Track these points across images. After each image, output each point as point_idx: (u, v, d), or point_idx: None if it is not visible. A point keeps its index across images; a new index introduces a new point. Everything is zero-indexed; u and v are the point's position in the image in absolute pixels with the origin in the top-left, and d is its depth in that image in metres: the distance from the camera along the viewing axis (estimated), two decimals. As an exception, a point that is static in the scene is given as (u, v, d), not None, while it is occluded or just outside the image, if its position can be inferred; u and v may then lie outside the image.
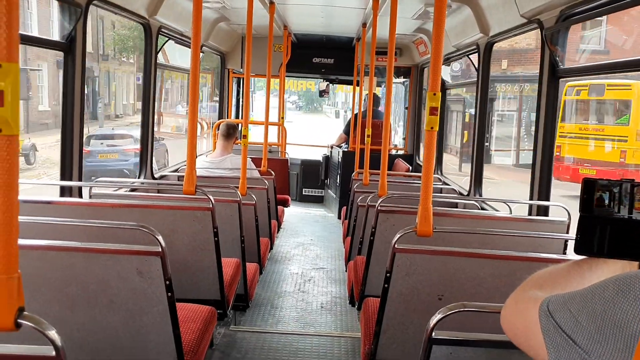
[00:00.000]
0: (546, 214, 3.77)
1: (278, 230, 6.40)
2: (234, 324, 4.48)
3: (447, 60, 6.40)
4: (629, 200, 1.20)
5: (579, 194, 1.22)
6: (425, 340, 1.72)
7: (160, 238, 2.33)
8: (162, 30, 5.23)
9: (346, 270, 5.03)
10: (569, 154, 14.23)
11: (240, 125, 8.49)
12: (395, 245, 2.54)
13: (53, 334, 1.47)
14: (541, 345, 1.07)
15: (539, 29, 3.74)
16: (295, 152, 9.85)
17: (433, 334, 1.70)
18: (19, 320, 1.41)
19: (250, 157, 5.92)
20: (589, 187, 1.21)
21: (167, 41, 5.79)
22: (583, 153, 13.65)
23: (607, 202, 1.20)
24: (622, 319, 0.92)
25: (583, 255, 1.25)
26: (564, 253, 3.19)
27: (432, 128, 2.40)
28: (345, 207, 6.54)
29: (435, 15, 2.40)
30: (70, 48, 3.74)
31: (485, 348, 1.69)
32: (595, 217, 1.22)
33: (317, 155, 10.10)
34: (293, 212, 8.86)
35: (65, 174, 3.81)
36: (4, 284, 1.37)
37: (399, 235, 2.52)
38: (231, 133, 5.72)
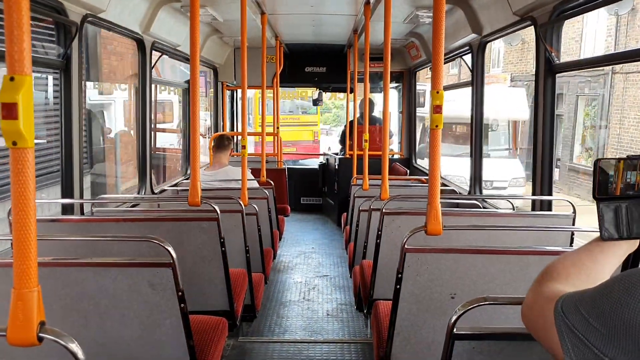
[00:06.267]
0: (549, 209, 3.78)
1: (280, 239, 6.39)
2: (242, 335, 4.46)
3: (440, 63, 6.42)
4: None
5: (592, 178, 1.19)
6: (447, 335, 1.71)
7: (170, 249, 2.32)
8: (156, 45, 5.23)
9: (351, 276, 5.02)
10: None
11: (235, 137, 8.52)
12: (406, 245, 2.54)
13: (75, 346, 1.47)
14: (558, 344, 1.08)
15: (532, 26, 3.77)
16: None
17: (454, 329, 1.70)
18: (41, 334, 1.40)
19: (249, 168, 5.93)
20: (603, 168, 1.17)
21: (160, 56, 5.79)
22: (289, 137, 17.85)
23: (635, 179, 1.17)
24: (631, 318, 0.92)
25: (612, 241, 1.23)
26: (571, 246, 3.20)
27: (436, 126, 2.41)
28: (345, 214, 6.54)
29: (435, 13, 2.41)
30: (66, 66, 3.73)
31: (508, 341, 1.69)
32: (614, 198, 1.19)
33: (314, 163, 10.13)
34: (293, 221, 8.84)
35: (67, 191, 3.79)
36: (26, 297, 1.36)
37: (409, 235, 2.52)
38: (225, 144, 5.72)
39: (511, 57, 20.77)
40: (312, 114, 20.22)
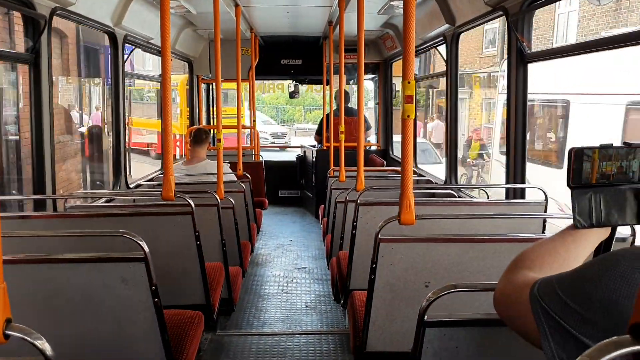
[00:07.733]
0: (522, 197, 3.83)
1: (257, 232, 6.37)
2: (219, 329, 4.45)
3: (416, 54, 6.45)
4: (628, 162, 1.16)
5: (567, 166, 1.19)
6: (418, 323, 1.73)
7: (143, 243, 2.30)
8: (128, 38, 5.17)
9: (328, 268, 5.03)
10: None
11: (212, 130, 8.47)
12: (379, 236, 2.55)
13: (42, 343, 1.45)
14: (534, 329, 1.08)
15: (504, 16, 3.80)
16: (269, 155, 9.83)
17: (425, 316, 1.71)
18: (7, 332, 1.38)
19: (226, 162, 5.89)
20: (578, 157, 1.17)
21: (133, 50, 5.72)
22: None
23: (610, 168, 1.17)
24: (610, 297, 0.92)
25: (585, 229, 1.23)
26: (543, 233, 3.24)
27: (408, 116, 2.42)
28: (322, 206, 6.54)
29: (405, 3, 2.42)
30: (35, 60, 3.67)
31: (478, 327, 1.71)
32: (587, 186, 1.19)
33: (291, 156, 10.12)
34: (270, 215, 8.83)
35: (39, 187, 3.74)
36: (-10, 295, 1.34)
37: (382, 224, 2.54)
38: (203, 138, 5.69)
39: (594, 23, 13.36)
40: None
